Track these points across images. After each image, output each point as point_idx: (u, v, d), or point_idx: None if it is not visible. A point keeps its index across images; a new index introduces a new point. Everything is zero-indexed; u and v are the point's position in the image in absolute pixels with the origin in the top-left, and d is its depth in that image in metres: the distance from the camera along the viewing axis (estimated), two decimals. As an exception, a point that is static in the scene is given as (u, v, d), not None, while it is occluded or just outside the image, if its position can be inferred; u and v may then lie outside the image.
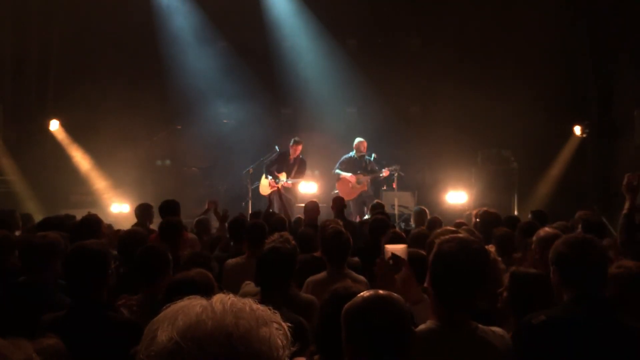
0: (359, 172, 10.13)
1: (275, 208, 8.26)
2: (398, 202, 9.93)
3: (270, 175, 9.87)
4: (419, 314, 2.21)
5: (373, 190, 10.50)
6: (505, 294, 2.73)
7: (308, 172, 10.08)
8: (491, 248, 3.66)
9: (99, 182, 11.03)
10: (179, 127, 11.66)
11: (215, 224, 6.93)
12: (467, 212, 8.51)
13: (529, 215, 6.04)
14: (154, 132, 11.37)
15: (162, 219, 4.90)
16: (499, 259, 3.60)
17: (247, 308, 0.97)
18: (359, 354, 1.75)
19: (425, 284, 2.22)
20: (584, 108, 11.09)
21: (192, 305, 0.96)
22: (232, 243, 5.23)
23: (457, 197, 10.23)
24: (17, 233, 5.27)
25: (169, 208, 5.51)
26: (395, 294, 1.81)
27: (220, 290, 1.06)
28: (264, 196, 9.88)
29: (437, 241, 2.22)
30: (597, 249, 2.32)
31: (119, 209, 10.00)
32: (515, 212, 9.61)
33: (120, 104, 10.81)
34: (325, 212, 8.51)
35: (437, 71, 11.18)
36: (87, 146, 11.16)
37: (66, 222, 5.31)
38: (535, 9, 10.50)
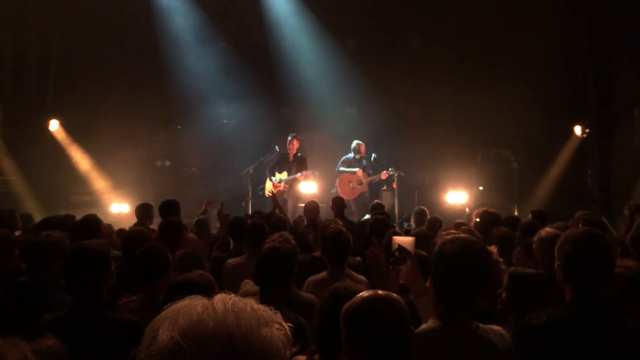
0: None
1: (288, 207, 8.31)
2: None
3: (272, 176, 9.91)
4: (423, 307, 2.22)
5: (372, 190, 10.52)
6: (504, 294, 2.74)
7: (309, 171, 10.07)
8: (493, 249, 3.66)
9: (99, 182, 11.03)
10: (179, 127, 11.66)
11: (215, 224, 6.93)
12: (468, 212, 8.53)
13: (529, 215, 6.04)
14: (154, 132, 11.37)
15: (162, 219, 4.90)
16: (501, 259, 3.60)
17: (249, 308, 0.96)
18: (358, 354, 1.75)
19: (428, 284, 2.22)
20: (584, 108, 11.10)
21: (194, 305, 0.96)
22: (232, 243, 5.23)
23: (457, 197, 10.23)
24: (17, 233, 5.27)
25: (169, 208, 5.51)
26: (394, 294, 1.81)
27: (221, 290, 1.06)
28: (267, 197, 9.89)
29: (439, 241, 2.22)
30: (602, 246, 2.27)
31: (119, 209, 10.01)
32: (515, 212, 9.61)
33: (120, 104, 10.82)
34: (325, 212, 8.51)
35: (437, 71, 11.18)
36: (87, 146, 11.16)
37: (66, 222, 5.31)
38: (535, 9, 10.50)
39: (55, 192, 10.61)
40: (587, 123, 10.70)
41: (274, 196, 7.09)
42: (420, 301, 2.26)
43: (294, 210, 9.33)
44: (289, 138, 9.90)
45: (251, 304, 0.98)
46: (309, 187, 9.85)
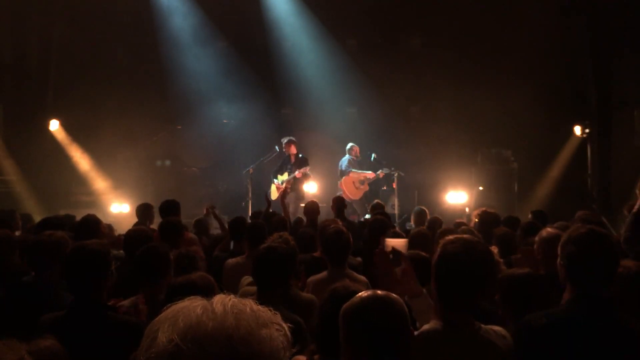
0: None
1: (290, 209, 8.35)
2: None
3: (275, 178, 9.95)
4: (418, 308, 2.22)
5: (373, 190, 10.55)
6: (497, 297, 2.74)
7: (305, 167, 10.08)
8: (494, 249, 3.66)
9: (99, 182, 11.03)
10: (179, 127, 11.66)
11: (215, 223, 6.93)
12: (468, 212, 8.53)
13: (529, 215, 6.04)
14: (154, 132, 11.37)
15: (162, 219, 4.90)
16: (501, 260, 3.60)
17: (248, 309, 0.96)
18: (357, 354, 1.74)
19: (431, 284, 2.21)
20: (584, 108, 11.09)
21: (193, 307, 0.95)
22: (232, 243, 5.24)
23: (457, 197, 10.23)
24: (17, 233, 5.27)
25: (170, 208, 5.51)
26: (393, 294, 1.81)
27: (221, 290, 1.06)
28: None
29: (441, 242, 2.22)
30: (606, 246, 2.24)
31: (119, 209, 10.01)
32: (515, 212, 9.61)
33: (120, 104, 10.83)
34: (325, 212, 8.51)
35: (437, 71, 11.18)
36: (87, 146, 11.16)
37: (66, 222, 5.31)
38: (535, 9, 10.50)
39: (55, 192, 10.61)
40: (587, 123, 10.70)
41: (282, 201, 7.07)
42: (415, 302, 2.26)
43: (295, 211, 9.34)
44: (285, 142, 9.94)
45: (250, 305, 0.97)
46: (309, 187, 9.87)
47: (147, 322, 0.98)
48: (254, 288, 3.19)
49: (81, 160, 11.20)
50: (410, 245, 4.15)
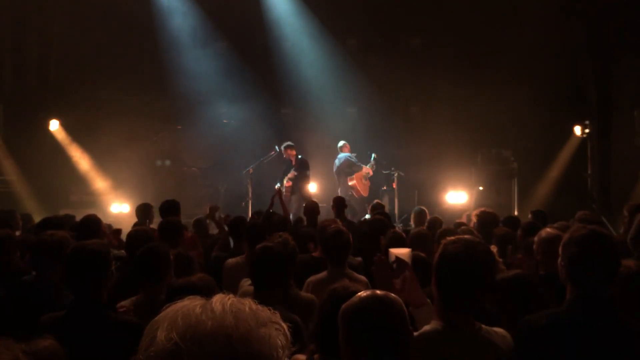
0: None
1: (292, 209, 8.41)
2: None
3: (280, 183, 10.01)
4: (421, 318, 2.21)
5: (373, 190, 10.58)
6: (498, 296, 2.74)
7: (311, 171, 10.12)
8: (493, 249, 3.66)
9: (99, 182, 11.03)
10: (179, 127, 11.66)
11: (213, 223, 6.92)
12: (468, 212, 8.53)
13: (529, 216, 6.04)
14: (154, 132, 11.37)
15: (162, 218, 4.90)
16: (500, 259, 3.60)
17: (247, 309, 0.96)
18: (357, 354, 1.75)
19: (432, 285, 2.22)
20: (584, 108, 11.09)
21: (192, 306, 0.95)
22: (232, 243, 5.24)
23: (457, 197, 10.23)
24: (17, 233, 5.27)
25: (170, 208, 5.51)
26: (392, 294, 1.81)
27: (220, 290, 1.06)
28: (268, 197, 9.93)
29: (442, 242, 2.22)
30: (607, 247, 2.23)
31: (119, 209, 10.01)
32: (515, 212, 9.61)
33: (120, 104, 10.82)
34: (325, 212, 8.52)
35: (437, 71, 11.19)
36: (87, 146, 11.17)
37: (66, 222, 5.31)
38: (535, 9, 10.50)
39: (55, 192, 10.62)
40: (587, 123, 10.70)
41: (280, 198, 7.09)
42: (418, 312, 2.26)
43: (298, 212, 9.37)
44: (283, 148, 10.01)
45: (250, 305, 0.98)
46: (310, 187, 9.90)
47: (147, 322, 0.99)
48: (252, 288, 3.19)
49: (81, 160, 11.21)
50: (410, 246, 4.16)
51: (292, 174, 9.79)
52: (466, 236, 2.31)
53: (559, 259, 2.32)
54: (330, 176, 10.61)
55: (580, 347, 2.15)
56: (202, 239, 5.93)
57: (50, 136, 11.13)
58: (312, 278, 3.83)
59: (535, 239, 3.47)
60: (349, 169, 10.31)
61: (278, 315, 1.00)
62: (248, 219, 5.73)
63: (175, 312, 0.95)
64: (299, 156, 10.02)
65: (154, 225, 5.64)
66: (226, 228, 5.58)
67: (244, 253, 4.43)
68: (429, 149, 11.24)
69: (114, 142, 10.59)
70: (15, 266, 3.79)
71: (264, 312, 0.98)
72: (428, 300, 2.32)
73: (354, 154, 10.46)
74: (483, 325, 2.12)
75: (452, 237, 2.23)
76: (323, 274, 3.82)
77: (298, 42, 11.99)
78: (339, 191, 10.06)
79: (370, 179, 10.64)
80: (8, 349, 1.31)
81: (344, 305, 1.79)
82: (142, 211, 6.08)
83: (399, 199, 10.22)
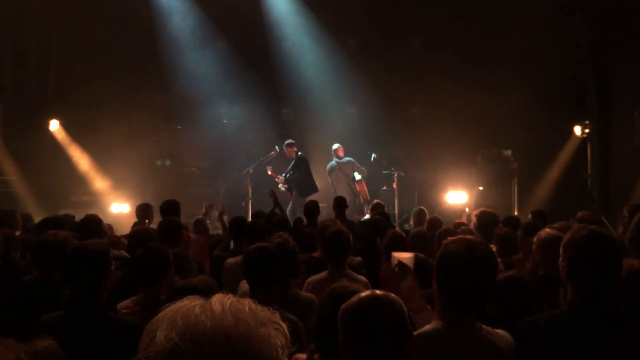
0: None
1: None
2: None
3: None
4: (421, 323, 2.22)
5: (372, 190, 10.60)
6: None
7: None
8: (492, 249, 3.65)
9: (99, 182, 11.03)
10: (179, 127, 11.66)
11: (216, 224, 6.93)
12: (468, 212, 8.53)
13: (529, 216, 6.04)
14: (154, 132, 11.37)
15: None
16: (499, 259, 3.59)
17: (246, 308, 0.97)
18: (356, 353, 1.75)
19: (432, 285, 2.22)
20: (584, 108, 11.09)
21: (192, 306, 0.96)
22: (232, 243, 5.25)
23: (457, 197, 10.23)
24: (17, 233, 5.28)
25: (170, 208, 5.52)
26: (392, 294, 1.81)
27: (220, 289, 1.07)
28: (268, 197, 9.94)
29: (443, 242, 2.22)
30: (609, 248, 2.19)
31: (119, 209, 10.01)
32: (515, 212, 9.62)
33: (120, 104, 10.82)
34: (326, 212, 8.52)
35: (437, 71, 11.19)
36: (87, 146, 11.17)
37: (66, 222, 5.31)
38: (535, 9, 10.50)
39: (55, 192, 10.62)
40: (587, 123, 10.70)
41: (274, 199, 7.10)
42: (418, 317, 2.26)
43: (294, 210, 9.39)
44: (284, 146, 10.03)
45: (249, 304, 0.98)
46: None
47: (147, 322, 0.99)
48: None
49: (81, 160, 11.21)
50: (410, 246, 4.16)
51: (279, 179, 9.89)
52: (467, 236, 2.31)
53: (560, 260, 2.30)
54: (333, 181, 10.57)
55: (582, 349, 2.13)
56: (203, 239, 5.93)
57: (50, 136, 11.13)
58: (312, 278, 3.84)
59: (534, 239, 3.46)
60: (352, 172, 10.30)
61: (277, 315, 1.00)
62: (248, 219, 5.74)
63: (174, 312, 0.95)
64: (299, 153, 10.03)
65: (154, 225, 5.65)
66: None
67: (244, 253, 4.43)
68: (429, 149, 11.24)
69: (114, 142, 10.59)
70: (16, 266, 3.80)
71: (264, 312, 0.98)
72: (428, 305, 2.32)
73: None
74: (484, 326, 2.12)
75: (454, 237, 2.23)
76: (323, 274, 3.82)
77: (298, 42, 12.00)
78: (335, 191, 10.08)
79: (370, 179, 10.66)
80: (9, 349, 1.31)
81: (343, 305, 1.79)
82: (142, 211, 6.09)
83: (399, 199, 10.22)
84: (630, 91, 10.16)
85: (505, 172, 10.56)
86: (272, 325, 0.97)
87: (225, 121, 11.94)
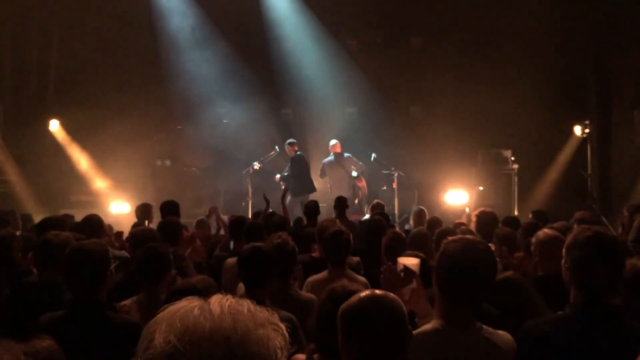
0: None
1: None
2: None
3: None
4: None
5: (372, 190, 10.61)
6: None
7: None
8: (492, 248, 3.65)
9: (99, 182, 11.02)
10: (179, 127, 11.65)
11: (214, 223, 6.92)
12: (468, 212, 8.52)
13: (530, 215, 6.03)
14: (154, 132, 11.36)
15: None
16: (498, 259, 3.59)
17: (245, 310, 0.96)
18: (356, 353, 1.75)
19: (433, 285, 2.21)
20: (584, 108, 11.09)
21: (190, 308, 0.95)
22: (232, 243, 5.25)
23: (457, 197, 10.23)
24: (17, 233, 5.27)
25: (169, 209, 5.52)
26: (391, 294, 1.81)
27: (219, 290, 1.06)
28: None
29: (443, 241, 2.22)
30: (611, 249, 2.18)
31: (119, 209, 10.00)
32: (516, 212, 9.61)
33: (120, 104, 10.81)
34: (326, 212, 8.52)
35: (437, 71, 11.19)
36: (87, 146, 11.16)
37: (66, 222, 5.31)
38: (535, 10, 10.50)
39: (55, 192, 10.61)
40: (587, 123, 10.69)
41: (282, 201, 7.10)
42: (423, 322, 2.25)
43: (292, 209, 9.39)
44: (285, 146, 10.06)
45: (248, 306, 0.97)
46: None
47: (147, 322, 0.98)
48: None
49: (81, 160, 11.20)
50: (410, 246, 4.16)
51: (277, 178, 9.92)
52: (467, 236, 2.31)
53: (563, 261, 2.28)
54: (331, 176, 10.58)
55: (584, 353, 2.11)
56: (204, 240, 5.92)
57: (50, 136, 11.12)
58: (312, 278, 3.84)
59: (533, 239, 3.46)
60: (350, 167, 10.30)
61: (276, 316, 1.00)
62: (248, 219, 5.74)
63: (173, 314, 0.95)
64: (298, 152, 10.03)
65: (154, 225, 5.65)
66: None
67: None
68: (429, 149, 11.23)
69: (114, 142, 10.59)
70: (17, 266, 3.80)
71: (262, 313, 0.98)
72: (434, 311, 2.32)
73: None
74: (484, 325, 2.12)
75: (454, 236, 2.23)
76: (323, 274, 3.82)
77: (298, 42, 11.98)
78: (331, 187, 10.12)
79: (370, 179, 10.66)
80: (9, 350, 1.31)
81: (343, 305, 1.79)
82: (142, 211, 6.09)
83: (399, 199, 10.22)
84: (630, 91, 10.16)
85: (505, 172, 10.55)
86: (271, 326, 0.97)
87: (225, 121, 11.93)
